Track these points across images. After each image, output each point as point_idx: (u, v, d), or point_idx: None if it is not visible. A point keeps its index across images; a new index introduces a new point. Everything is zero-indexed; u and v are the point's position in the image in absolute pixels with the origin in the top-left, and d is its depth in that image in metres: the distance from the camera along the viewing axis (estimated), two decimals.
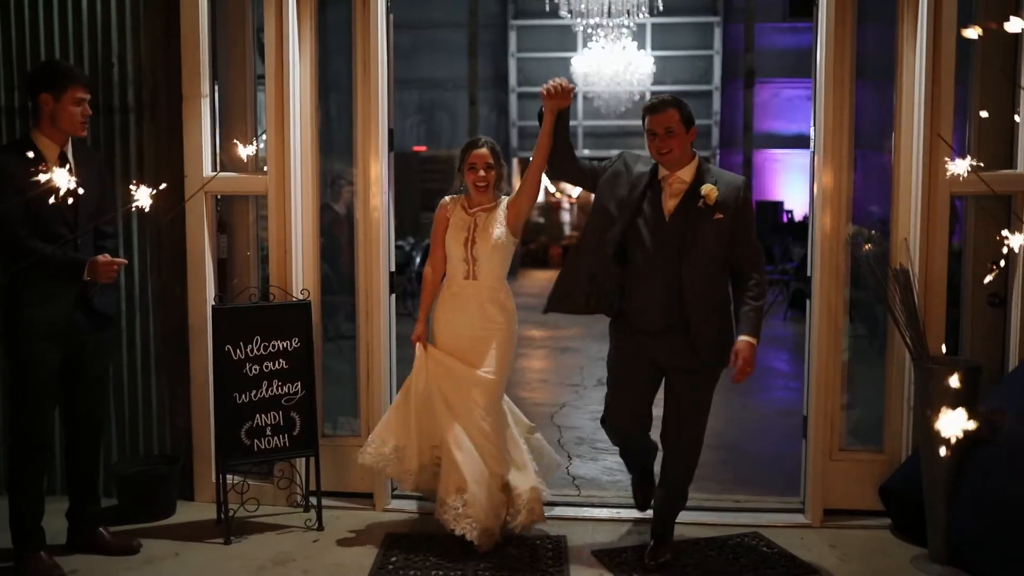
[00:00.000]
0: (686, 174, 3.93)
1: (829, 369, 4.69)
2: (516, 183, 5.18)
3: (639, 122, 4.02)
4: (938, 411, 3.87)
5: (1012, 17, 3.35)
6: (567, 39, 17.82)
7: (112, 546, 4.31)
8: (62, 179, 3.47)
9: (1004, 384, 4.33)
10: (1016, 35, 4.52)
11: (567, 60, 17.17)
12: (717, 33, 19.49)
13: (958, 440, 3.98)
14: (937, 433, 3.88)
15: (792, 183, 18.75)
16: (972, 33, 3.36)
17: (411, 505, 4.85)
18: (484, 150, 4.38)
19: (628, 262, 3.98)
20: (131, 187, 3.61)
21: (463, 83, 18.84)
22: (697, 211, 3.85)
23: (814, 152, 4.70)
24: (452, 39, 19.04)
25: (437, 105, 19.75)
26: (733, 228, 3.88)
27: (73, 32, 4.85)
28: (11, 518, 4.11)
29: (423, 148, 19.87)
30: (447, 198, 4.50)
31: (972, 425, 3.68)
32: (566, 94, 4.06)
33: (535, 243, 24.88)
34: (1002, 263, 4.17)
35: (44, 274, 3.99)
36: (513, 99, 19.92)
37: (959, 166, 3.81)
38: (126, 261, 4.42)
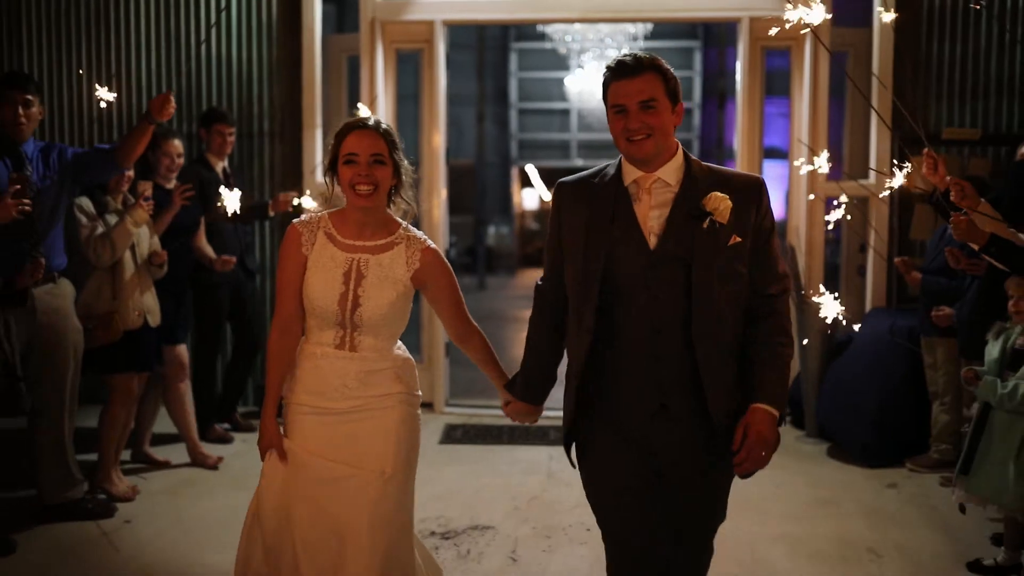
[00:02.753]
0: (670, 174, 2.64)
1: None
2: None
3: None
4: (813, 340, 6.09)
5: None
6: (562, 59, 20.01)
7: (242, 426, 6.39)
8: (233, 201, 5.45)
9: (860, 322, 6.54)
10: (871, 77, 6.68)
11: (561, 79, 19.43)
12: (698, 56, 21.71)
13: (826, 352, 6.17)
14: (812, 352, 6.08)
15: None
16: None
17: (461, 410, 7.00)
18: (372, 131, 2.88)
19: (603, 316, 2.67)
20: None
21: (466, 99, 20.97)
22: (702, 234, 2.57)
23: (735, 156, 6.88)
24: (457, 58, 21.20)
25: None
26: (753, 253, 2.65)
27: (226, 81, 7.00)
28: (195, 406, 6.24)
29: None
30: (298, 221, 3.00)
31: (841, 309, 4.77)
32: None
33: (531, 246, 27.03)
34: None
35: (222, 241, 6.11)
36: (513, 114, 22.13)
37: (818, 163, 5.79)
38: (297, 192, 6.34)
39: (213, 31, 6.93)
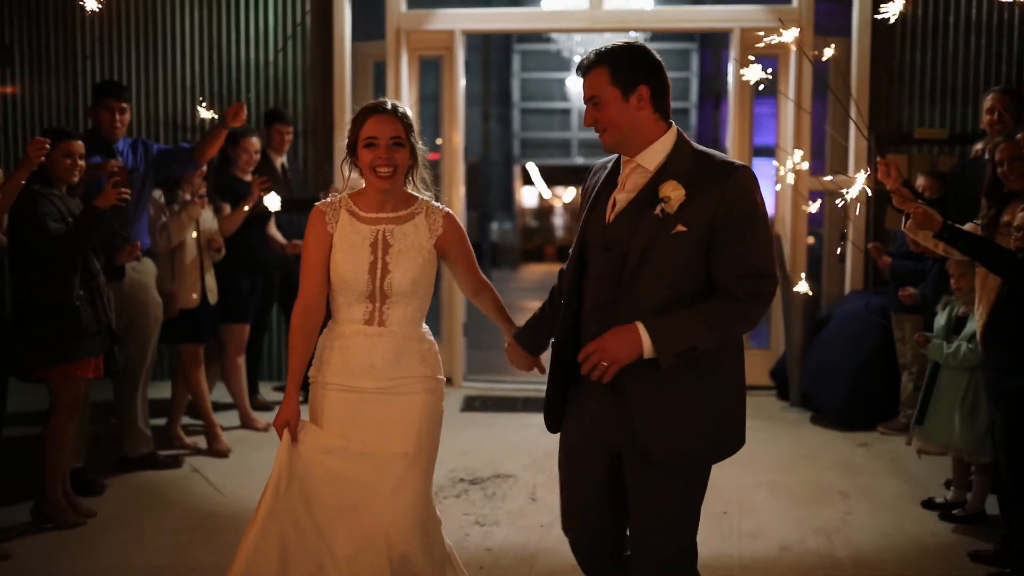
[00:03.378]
0: (649, 159, 2.65)
1: None
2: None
3: None
4: (796, 319, 6.77)
5: None
6: (563, 61, 20.70)
7: None
8: (273, 201, 6.09)
9: (840, 302, 7.24)
10: (849, 82, 7.39)
11: (562, 80, 20.11)
12: (694, 58, 22.42)
13: (809, 327, 6.87)
14: (795, 330, 6.76)
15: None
16: None
17: (479, 384, 7.69)
18: (390, 115, 2.96)
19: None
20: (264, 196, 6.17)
21: (471, 99, 21.53)
22: (650, 219, 2.57)
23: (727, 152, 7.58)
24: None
25: None
26: (711, 244, 2.57)
27: (263, 85, 7.69)
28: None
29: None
30: (321, 203, 3.09)
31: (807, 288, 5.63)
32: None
33: (532, 243, 27.74)
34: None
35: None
36: (516, 114, 22.82)
37: (793, 164, 6.43)
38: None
39: (252, 39, 7.61)
